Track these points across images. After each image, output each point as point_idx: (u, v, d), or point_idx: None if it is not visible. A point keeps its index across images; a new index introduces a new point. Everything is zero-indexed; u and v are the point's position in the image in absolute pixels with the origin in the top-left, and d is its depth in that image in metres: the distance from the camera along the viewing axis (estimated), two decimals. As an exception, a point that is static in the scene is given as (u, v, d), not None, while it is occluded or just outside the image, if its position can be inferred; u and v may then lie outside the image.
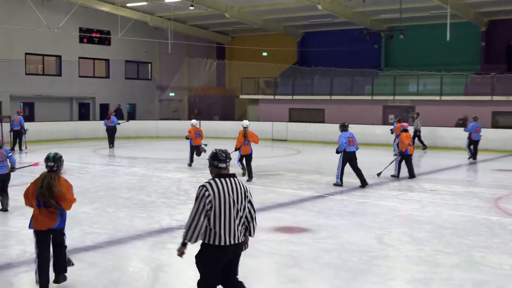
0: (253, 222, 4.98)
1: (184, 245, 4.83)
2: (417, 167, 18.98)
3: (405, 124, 15.82)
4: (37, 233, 5.95)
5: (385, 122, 28.40)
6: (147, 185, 13.73)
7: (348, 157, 13.45)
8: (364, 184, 13.40)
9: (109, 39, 33.22)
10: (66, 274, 6.19)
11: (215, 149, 4.94)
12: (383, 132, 26.08)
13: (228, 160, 4.86)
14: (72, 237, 8.19)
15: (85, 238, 8.30)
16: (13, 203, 11.05)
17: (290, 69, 35.00)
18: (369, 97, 29.31)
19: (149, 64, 36.65)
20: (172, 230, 8.88)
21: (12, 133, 22.46)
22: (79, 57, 32.17)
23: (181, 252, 4.90)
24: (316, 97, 30.79)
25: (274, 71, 34.28)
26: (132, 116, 35.09)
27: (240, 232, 4.81)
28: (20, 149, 22.21)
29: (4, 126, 23.11)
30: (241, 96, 34.45)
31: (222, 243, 4.68)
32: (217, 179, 4.75)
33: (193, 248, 4.99)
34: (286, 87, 32.95)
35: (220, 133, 30.49)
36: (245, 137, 14.75)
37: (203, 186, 4.71)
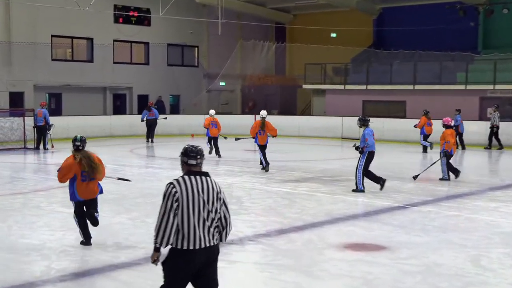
0: (227, 227, 5.29)
1: (157, 250, 5.15)
2: (508, 171, 18.41)
3: (447, 119, 15.84)
4: (79, 204, 8.68)
5: (482, 117, 27.71)
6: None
7: (372, 158, 13.70)
8: (382, 184, 13.68)
9: (149, 18, 33.86)
10: None
11: (187, 145, 5.29)
12: (480, 129, 25.47)
13: (199, 157, 5.20)
14: (105, 252, 8.36)
15: (120, 254, 8.45)
16: (39, 212, 11.40)
17: (364, 53, 34.65)
18: (462, 87, 28.65)
19: (196, 48, 37.10)
20: (222, 245, 8.92)
21: (35, 129, 23.12)
22: (114, 40, 32.93)
23: (153, 259, 5.22)
24: (396, 87, 30.36)
25: (345, 55, 34.04)
26: (175, 109, 35.63)
27: (213, 235, 5.14)
28: (45, 148, 22.85)
29: (27, 121, 23.81)
30: (305, 86, 34.38)
31: (191, 247, 5.00)
32: (186, 176, 5.13)
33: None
34: (359, 75, 32.64)
35: (279, 130, 30.24)
36: (262, 127, 17.18)
37: (171, 183, 5.10)
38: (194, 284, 5.23)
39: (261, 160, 17.38)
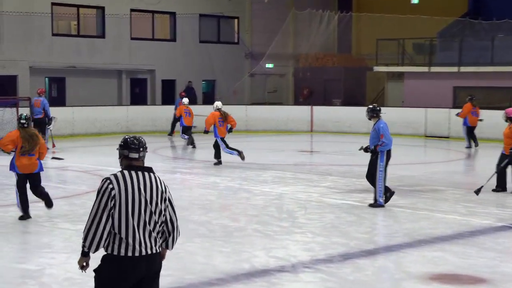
0: (173, 232, 5.71)
1: (85, 255, 5.56)
2: None
3: (510, 109, 15.48)
4: (20, 176, 11.77)
5: None
6: (232, 203, 13.96)
7: (389, 158, 13.79)
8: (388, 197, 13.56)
9: (176, -19, 34.12)
10: None
11: (126, 136, 5.75)
12: None
13: (141, 150, 5.65)
14: (119, 280, 8.42)
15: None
16: (37, 228, 11.55)
17: (456, 24, 34.22)
18: None
19: (235, 20, 37.17)
20: (270, 273, 8.92)
21: (32, 123, 23.36)
22: (131, 10, 33.26)
23: (81, 265, 5.63)
24: (498, 69, 29.92)
25: (430, 28, 33.66)
26: (209, 98, 35.74)
27: (155, 241, 5.55)
28: (45, 147, 23.16)
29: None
30: (376, 68, 34.18)
31: (130, 253, 5.38)
32: (125, 171, 5.54)
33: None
34: (448, 53, 32.28)
35: (343, 126, 30.39)
36: (225, 118, 19.57)
37: (107, 178, 5.49)
38: None
39: (216, 155, 19.57)
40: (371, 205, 13.47)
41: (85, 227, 5.43)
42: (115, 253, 5.37)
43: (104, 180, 5.47)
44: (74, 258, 9.42)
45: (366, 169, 14.18)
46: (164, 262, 9.28)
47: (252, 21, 37.18)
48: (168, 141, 26.52)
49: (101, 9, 32.50)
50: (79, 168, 18.96)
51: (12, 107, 24.51)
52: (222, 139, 19.34)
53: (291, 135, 29.13)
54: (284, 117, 30.65)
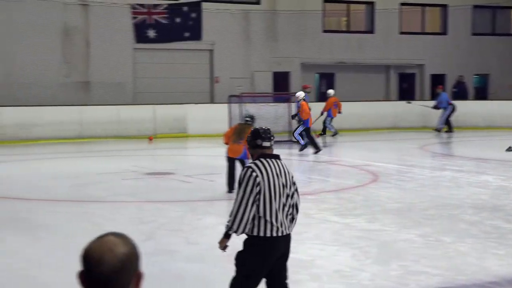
0: (296, 216, 6.28)
1: (227, 236, 6.14)
2: None
3: None
4: (228, 159, 14.37)
5: None
6: (506, 203, 13.49)
7: None
8: None
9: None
10: None
11: (256, 127, 6.34)
12: None
13: (272, 138, 6.24)
14: (387, 276, 8.48)
15: (407, 279, 8.50)
16: (307, 220, 11.90)
17: None
18: None
19: (512, 11, 36.01)
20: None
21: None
22: (401, 4, 33.24)
23: (224, 245, 6.20)
24: None
25: None
26: (481, 93, 34.95)
27: (290, 222, 6.16)
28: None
29: (293, 108, 24.89)
30: None
31: (275, 234, 5.95)
32: (263, 159, 6.10)
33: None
34: None
35: None
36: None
37: (249, 167, 6.07)
38: (266, 276, 6.15)
39: (314, 145, 20.92)
40: None
41: (233, 211, 5.99)
42: (261, 234, 5.94)
43: (247, 168, 6.07)
44: (344, 251, 9.66)
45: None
46: (433, 261, 9.32)
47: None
48: (437, 137, 26.18)
49: (371, 4, 32.82)
50: (347, 162, 19.26)
51: (284, 103, 25.36)
52: (308, 129, 21.27)
53: None
54: None
